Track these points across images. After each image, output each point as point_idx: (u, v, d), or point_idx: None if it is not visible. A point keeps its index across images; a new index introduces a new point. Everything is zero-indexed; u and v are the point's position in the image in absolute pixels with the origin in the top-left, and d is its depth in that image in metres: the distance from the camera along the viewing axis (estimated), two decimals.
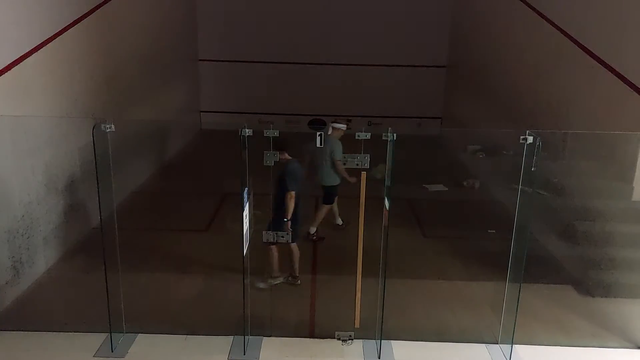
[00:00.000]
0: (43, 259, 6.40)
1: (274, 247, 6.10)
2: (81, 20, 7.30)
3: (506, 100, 9.90)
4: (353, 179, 6.76)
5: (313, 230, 7.39)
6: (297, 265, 6.21)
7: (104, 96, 8.10)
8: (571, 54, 7.64)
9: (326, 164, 7.19)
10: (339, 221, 7.78)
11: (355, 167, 4.84)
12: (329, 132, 7.18)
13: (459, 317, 5.73)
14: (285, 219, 5.74)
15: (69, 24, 6.98)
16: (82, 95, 7.37)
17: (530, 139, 4.76)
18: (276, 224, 5.78)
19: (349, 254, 5.35)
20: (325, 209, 7.46)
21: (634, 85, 6.34)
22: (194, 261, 6.85)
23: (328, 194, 7.40)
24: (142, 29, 9.79)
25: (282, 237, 5.42)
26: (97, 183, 4.78)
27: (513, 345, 5.06)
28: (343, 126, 7.29)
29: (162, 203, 8.88)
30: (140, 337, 5.19)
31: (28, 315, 5.58)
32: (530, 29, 9.00)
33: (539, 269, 6.52)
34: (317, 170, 7.27)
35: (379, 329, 5.03)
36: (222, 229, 7.81)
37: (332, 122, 7.36)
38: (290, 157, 5.81)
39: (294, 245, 6.11)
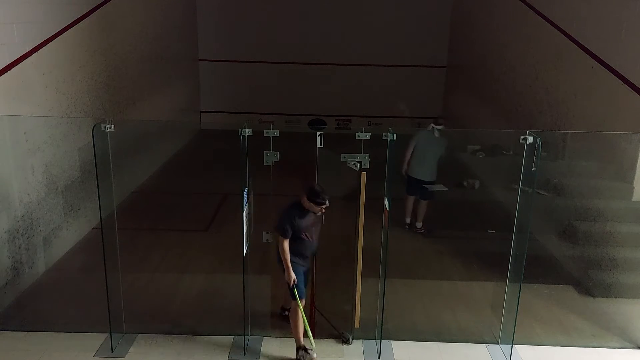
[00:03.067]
0: (43, 259, 6.40)
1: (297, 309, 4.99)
2: (81, 20, 7.30)
3: (506, 100, 9.90)
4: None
5: (420, 224, 7.90)
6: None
7: (104, 96, 8.10)
8: (571, 54, 7.64)
9: (434, 161, 7.54)
10: (409, 219, 8.03)
11: (354, 167, 4.83)
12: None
13: (459, 317, 5.73)
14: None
15: (69, 24, 6.99)
16: (82, 95, 7.37)
17: (530, 139, 4.76)
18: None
19: (349, 254, 5.35)
20: (425, 203, 7.83)
21: (634, 85, 6.34)
22: (194, 261, 6.85)
23: (429, 190, 7.72)
24: (142, 29, 9.79)
25: None
26: (97, 183, 4.78)
27: (513, 346, 5.07)
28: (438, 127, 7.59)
29: (162, 203, 8.88)
30: (140, 337, 5.19)
31: (28, 315, 5.58)
32: (530, 29, 9.00)
33: (539, 269, 6.51)
34: (421, 163, 7.56)
35: (379, 329, 5.03)
36: (222, 229, 7.83)
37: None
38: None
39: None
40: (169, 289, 6.14)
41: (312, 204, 4.77)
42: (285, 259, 4.82)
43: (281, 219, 4.83)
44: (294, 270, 4.85)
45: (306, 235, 4.88)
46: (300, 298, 4.91)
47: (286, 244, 4.79)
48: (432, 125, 7.53)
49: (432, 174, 7.58)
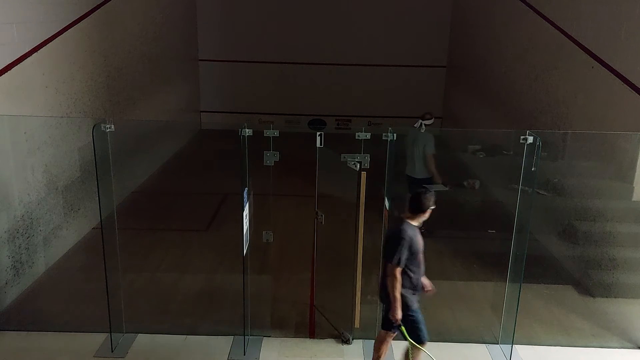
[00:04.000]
0: (43, 259, 6.40)
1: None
2: (81, 20, 7.31)
3: (506, 100, 9.90)
4: (439, 179, 7.39)
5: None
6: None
7: (104, 96, 8.10)
8: (571, 54, 7.64)
9: (419, 156, 7.47)
10: None
11: (354, 167, 4.83)
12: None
13: (459, 317, 5.73)
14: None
15: (69, 24, 6.99)
16: (82, 95, 7.37)
17: (530, 139, 4.76)
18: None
19: (349, 254, 5.35)
20: None
21: (634, 85, 6.34)
22: (194, 261, 6.85)
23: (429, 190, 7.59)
24: (142, 29, 9.79)
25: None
26: (97, 183, 4.78)
27: (513, 346, 5.07)
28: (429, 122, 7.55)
29: (162, 203, 8.88)
30: (140, 337, 5.20)
31: (28, 315, 5.57)
32: (530, 29, 9.00)
33: (539, 269, 6.52)
34: (410, 161, 7.52)
35: (379, 329, 5.02)
36: (222, 229, 7.82)
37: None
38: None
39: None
40: (169, 289, 6.14)
41: (426, 209, 4.27)
42: (395, 292, 4.14)
43: (394, 244, 4.15)
44: (410, 304, 4.26)
45: (420, 258, 4.30)
46: (422, 341, 4.36)
47: (399, 273, 4.17)
48: (420, 121, 7.47)
49: (420, 171, 7.50)
